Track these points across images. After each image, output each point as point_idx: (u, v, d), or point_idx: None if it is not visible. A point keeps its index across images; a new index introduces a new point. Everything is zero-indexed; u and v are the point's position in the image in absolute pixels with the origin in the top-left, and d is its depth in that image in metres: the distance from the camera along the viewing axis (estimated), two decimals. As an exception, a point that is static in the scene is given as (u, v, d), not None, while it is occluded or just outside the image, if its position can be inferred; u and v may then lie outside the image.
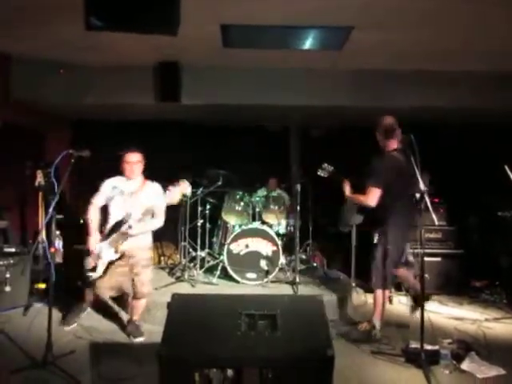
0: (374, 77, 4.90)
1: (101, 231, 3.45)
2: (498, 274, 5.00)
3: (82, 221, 4.54)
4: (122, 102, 4.99)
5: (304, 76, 4.92)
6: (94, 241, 3.37)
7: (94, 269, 3.33)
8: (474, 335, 3.67)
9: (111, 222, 3.41)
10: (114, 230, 3.36)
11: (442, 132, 5.36)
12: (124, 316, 3.87)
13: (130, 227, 3.27)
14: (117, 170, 3.50)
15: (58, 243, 3.12)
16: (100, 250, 3.34)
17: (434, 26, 3.74)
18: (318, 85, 4.95)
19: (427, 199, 2.93)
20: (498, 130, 5.62)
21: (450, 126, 5.58)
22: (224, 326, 2.05)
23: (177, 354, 1.97)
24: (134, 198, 3.42)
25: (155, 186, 3.55)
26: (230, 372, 1.95)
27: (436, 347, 3.09)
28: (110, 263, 3.36)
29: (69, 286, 4.33)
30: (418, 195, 3.00)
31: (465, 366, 2.98)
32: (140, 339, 3.42)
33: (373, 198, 3.37)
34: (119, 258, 3.38)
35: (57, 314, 3.84)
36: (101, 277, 3.36)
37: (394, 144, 3.51)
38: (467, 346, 3.21)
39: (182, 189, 3.39)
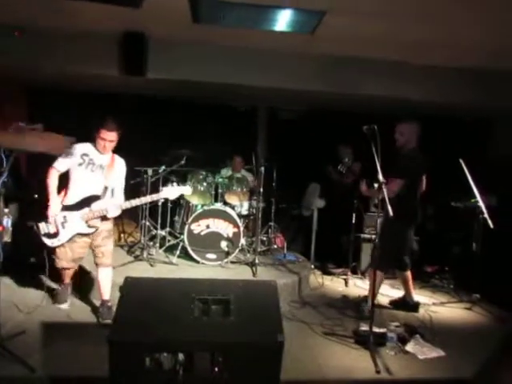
0: (346, 63, 4.90)
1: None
2: (449, 261, 5.27)
3: (36, 196, 4.42)
4: (84, 73, 4.77)
5: (275, 58, 4.85)
6: (56, 207, 3.29)
7: (54, 235, 3.28)
8: (421, 318, 3.88)
9: (79, 192, 3.32)
10: (86, 203, 3.31)
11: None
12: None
13: (107, 211, 3.30)
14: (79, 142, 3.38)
15: (7, 221, 2.99)
16: (65, 219, 3.28)
17: (407, 17, 3.75)
18: (289, 68, 4.90)
19: (385, 190, 3.01)
20: (457, 123, 5.82)
21: (413, 117, 5.71)
22: (177, 310, 2.05)
23: (127, 339, 1.96)
24: (103, 172, 3.38)
25: (122, 163, 3.55)
26: (181, 356, 1.97)
27: (384, 330, 3.24)
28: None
29: (22, 263, 4.23)
30: (376, 185, 3.08)
31: (409, 347, 3.17)
32: (108, 321, 3.29)
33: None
34: (89, 234, 3.36)
35: (7, 292, 3.75)
36: (62, 247, 3.33)
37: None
38: (413, 329, 3.39)
39: (184, 190, 3.62)
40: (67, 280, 3.62)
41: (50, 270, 3.95)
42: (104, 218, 3.38)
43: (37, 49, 4.53)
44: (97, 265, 3.51)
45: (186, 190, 3.61)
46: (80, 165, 3.33)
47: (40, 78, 5.18)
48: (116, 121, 3.36)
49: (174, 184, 3.55)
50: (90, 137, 3.38)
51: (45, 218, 3.29)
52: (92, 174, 3.35)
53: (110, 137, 3.33)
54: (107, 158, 3.43)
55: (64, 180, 3.40)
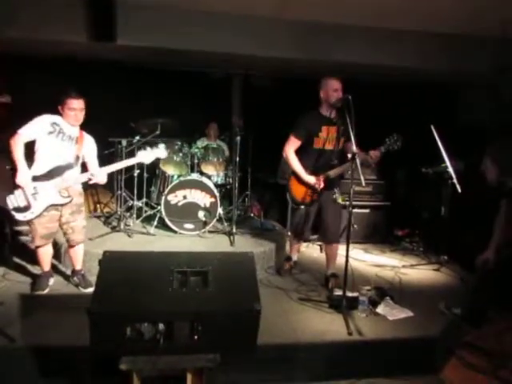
0: (318, 30, 4.83)
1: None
2: (419, 225, 5.47)
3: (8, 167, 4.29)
4: (50, 39, 4.54)
5: (249, 24, 4.72)
6: (25, 175, 3.08)
7: (26, 208, 3.10)
8: (391, 281, 4.06)
9: (49, 161, 3.17)
10: (58, 172, 3.17)
11: (376, 89, 5.52)
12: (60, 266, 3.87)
13: (91, 176, 3.25)
14: (47, 110, 3.27)
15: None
16: (36, 190, 3.12)
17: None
18: (261, 34, 4.78)
19: (358, 161, 3.06)
20: (428, 89, 5.90)
21: (384, 84, 5.74)
22: (156, 282, 2.10)
23: (108, 310, 2.01)
24: (72, 144, 3.28)
25: (92, 140, 3.47)
26: (161, 326, 2.03)
27: (356, 294, 3.38)
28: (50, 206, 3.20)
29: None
30: (349, 156, 3.13)
31: (379, 309, 3.33)
32: (90, 289, 3.33)
33: None
34: (64, 204, 3.24)
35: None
36: (31, 223, 3.18)
37: None
38: (383, 292, 3.54)
39: (158, 153, 3.43)
40: (46, 268, 3.45)
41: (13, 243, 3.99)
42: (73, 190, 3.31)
43: (1, 15, 4.28)
44: (68, 242, 3.43)
45: (161, 153, 3.45)
46: (50, 133, 3.19)
47: (6, 46, 4.90)
48: (77, 89, 3.27)
49: (148, 148, 3.45)
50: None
51: (14, 189, 3.09)
52: (62, 142, 3.24)
53: (78, 104, 3.23)
54: (76, 130, 3.34)
55: (29, 151, 3.21)
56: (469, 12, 4.25)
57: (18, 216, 3.13)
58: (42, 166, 3.18)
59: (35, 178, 3.15)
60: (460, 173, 4.44)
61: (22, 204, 3.10)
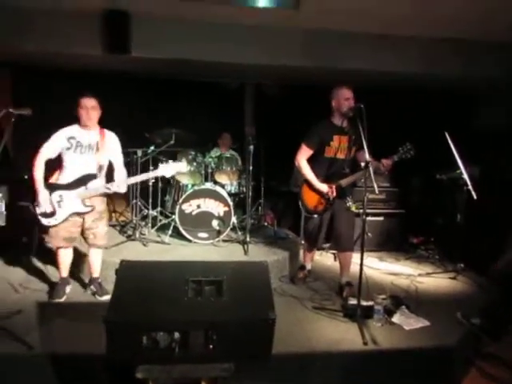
0: (330, 38, 4.88)
1: (45, 179, 3.32)
2: (434, 232, 5.41)
3: (26, 176, 4.40)
4: (67, 52, 4.67)
5: (260, 34, 4.80)
6: (44, 194, 3.24)
7: (51, 214, 3.27)
8: (406, 289, 4.01)
9: (73, 173, 3.30)
10: (82, 182, 3.29)
11: (388, 96, 5.50)
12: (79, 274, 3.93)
13: (108, 188, 3.31)
14: (63, 120, 3.35)
15: (0, 206, 2.99)
16: (61, 198, 3.27)
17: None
18: (274, 43, 4.86)
19: (371, 170, 3.06)
20: (440, 95, 5.86)
21: (397, 90, 5.73)
22: (171, 291, 2.12)
23: (124, 319, 2.03)
24: (93, 151, 3.35)
25: (114, 138, 3.51)
26: (176, 335, 2.05)
27: (371, 303, 3.34)
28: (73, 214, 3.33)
29: (14, 243, 4.27)
30: (363, 164, 3.13)
31: (395, 319, 3.28)
32: (106, 297, 3.40)
33: None
34: (86, 212, 3.34)
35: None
36: (54, 226, 3.31)
37: None
38: (399, 301, 3.50)
39: (179, 167, 3.46)
40: (64, 274, 3.54)
41: (38, 249, 4.10)
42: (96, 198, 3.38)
43: (17, 27, 4.41)
44: (88, 245, 3.54)
45: (181, 166, 3.48)
46: (68, 149, 3.30)
47: (24, 59, 5.05)
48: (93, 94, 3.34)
49: (170, 161, 3.49)
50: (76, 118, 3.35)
51: (36, 202, 3.25)
52: (81, 156, 3.32)
53: (89, 102, 3.29)
54: (95, 135, 3.37)
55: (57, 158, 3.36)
56: (479, 16, 4.24)
57: (44, 221, 3.30)
58: (66, 176, 3.32)
59: (61, 187, 3.30)
60: (475, 179, 4.39)
61: (49, 210, 3.28)
